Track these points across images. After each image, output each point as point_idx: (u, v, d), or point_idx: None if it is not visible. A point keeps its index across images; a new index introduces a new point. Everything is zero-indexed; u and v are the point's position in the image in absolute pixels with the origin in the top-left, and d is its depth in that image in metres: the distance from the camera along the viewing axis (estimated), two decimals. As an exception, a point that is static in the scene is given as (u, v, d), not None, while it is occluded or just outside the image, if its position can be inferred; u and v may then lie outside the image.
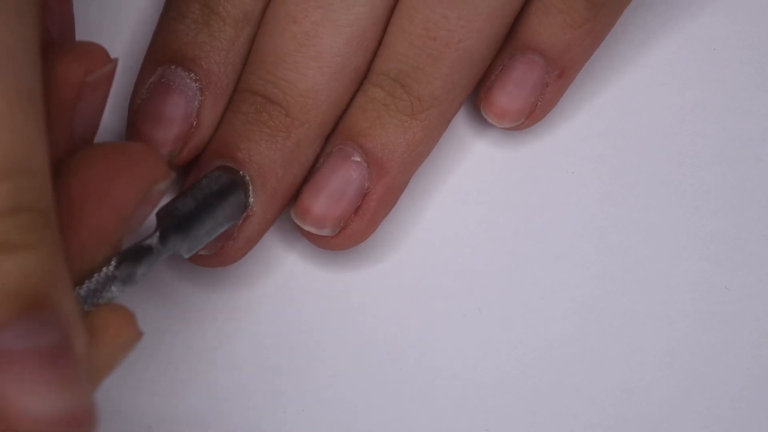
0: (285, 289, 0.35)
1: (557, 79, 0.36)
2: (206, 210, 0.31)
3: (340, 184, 0.34)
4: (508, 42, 0.35)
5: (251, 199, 0.33)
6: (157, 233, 0.29)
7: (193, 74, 0.34)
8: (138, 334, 0.26)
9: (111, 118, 0.35)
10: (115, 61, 0.28)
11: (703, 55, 0.38)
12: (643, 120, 0.37)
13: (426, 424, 0.34)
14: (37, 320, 0.22)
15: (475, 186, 0.36)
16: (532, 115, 0.36)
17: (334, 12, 0.33)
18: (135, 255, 0.28)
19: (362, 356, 0.35)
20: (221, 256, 0.33)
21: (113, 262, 0.27)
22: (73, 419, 0.22)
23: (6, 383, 0.22)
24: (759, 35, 0.38)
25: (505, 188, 0.36)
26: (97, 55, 0.27)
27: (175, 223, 0.30)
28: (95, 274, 0.27)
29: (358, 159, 0.34)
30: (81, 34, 0.36)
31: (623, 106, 0.37)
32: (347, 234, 0.34)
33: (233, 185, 0.32)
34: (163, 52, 0.34)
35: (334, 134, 0.34)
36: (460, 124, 0.37)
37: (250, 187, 0.33)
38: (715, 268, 0.36)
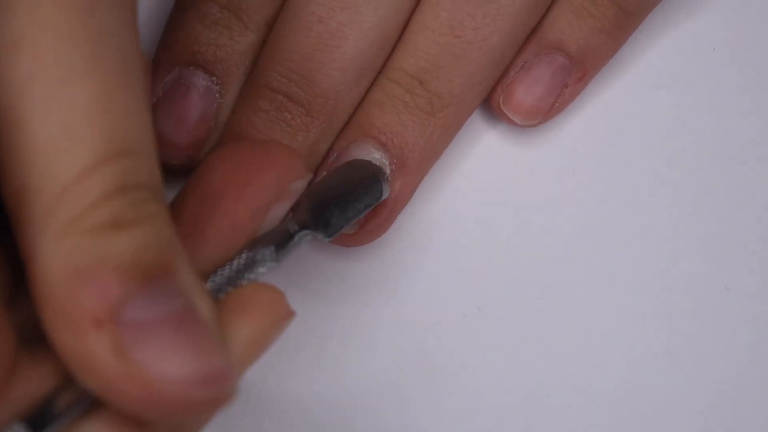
0: (285, 289, 0.35)
1: (577, 82, 0.35)
2: (348, 199, 0.31)
3: None
4: (531, 40, 0.35)
5: None
6: (295, 220, 0.29)
7: (214, 77, 0.34)
8: (289, 312, 0.26)
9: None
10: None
11: (703, 55, 0.38)
12: (643, 120, 0.37)
13: (426, 424, 0.34)
14: (158, 290, 0.23)
15: (476, 186, 0.36)
16: (546, 115, 0.36)
17: (360, 14, 0.33)
18: (275, 239, 0.28)
19: (362, 356, 0.34)
20: None
21: (250, 250, 0.27)
22: (208, 379, 0.23)
23: (137, 352, 0.22)
24: (759, 35, 0.38)
25: (506, 188, 0.36)
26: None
27: (318, 210, 0.30)
28: (237, 258, 0.27)
29: (378, 156, 0.33)
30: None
31: (623, 106, 0.37)
32: (366, 231, 0.34)
33: (375, 177, 0.32)
34: (182, 52, 0.34)
35: (349, 128, 0.34)
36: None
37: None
38: (715, 268, 0.36)
